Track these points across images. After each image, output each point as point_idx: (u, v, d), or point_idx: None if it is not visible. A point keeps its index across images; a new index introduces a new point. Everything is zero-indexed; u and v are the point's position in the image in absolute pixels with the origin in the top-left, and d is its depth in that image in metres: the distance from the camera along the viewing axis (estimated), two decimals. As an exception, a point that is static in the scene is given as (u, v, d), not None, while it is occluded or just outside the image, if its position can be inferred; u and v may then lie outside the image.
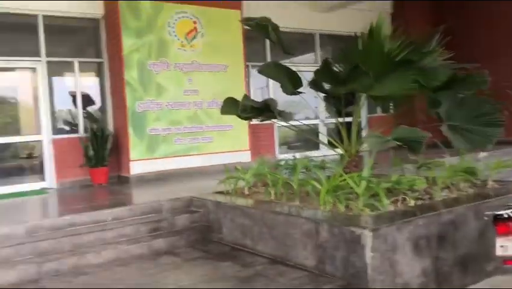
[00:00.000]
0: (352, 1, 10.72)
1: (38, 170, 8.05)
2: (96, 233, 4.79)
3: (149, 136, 8.03)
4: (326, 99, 5.82)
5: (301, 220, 3.93)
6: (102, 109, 8.65)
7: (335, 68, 4.86)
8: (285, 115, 4.81)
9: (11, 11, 7.53)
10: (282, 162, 6.25)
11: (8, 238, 4.59)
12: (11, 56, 7.65)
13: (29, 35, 7.86)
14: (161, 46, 8.15)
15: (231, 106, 5.15)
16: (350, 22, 11.13)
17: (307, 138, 10.12)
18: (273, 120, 5.22)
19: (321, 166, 5.92)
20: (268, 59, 10.08)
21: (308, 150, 9.45)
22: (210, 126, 8.64)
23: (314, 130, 9.85)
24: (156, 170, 8.04)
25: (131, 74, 7.88)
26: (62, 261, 4.27)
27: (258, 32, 5.18)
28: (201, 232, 5.11)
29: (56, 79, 8.30)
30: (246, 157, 8.96)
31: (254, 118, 5.29)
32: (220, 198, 5.30)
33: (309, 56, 11.47)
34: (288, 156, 6.92)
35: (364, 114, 11.11)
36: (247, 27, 5.64)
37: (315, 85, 5.29)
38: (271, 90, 10.03)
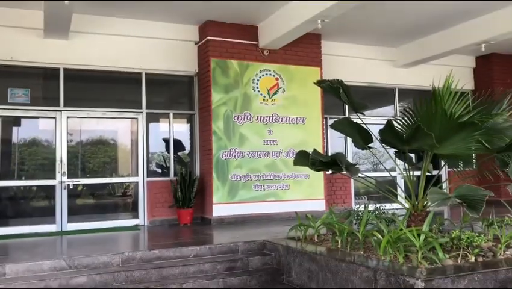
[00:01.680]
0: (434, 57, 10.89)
1: (132, 208, 9.06)
2: (179, 267, 5.43)
3: (230, 182, 8.76)
4: (396, 154, 6.14)
5: (361, 268, 4.27)
6: (191, 154, 9.58)
7: (399, 127, 5.23)
8: (351, 170, 5.22)
9: (120, 70, 8.82)
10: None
11: (106, 266, 5.39)
12: (117, 108, 8.88)
13: (133, 89, 9.09)
14: (245, 100, 9.00)
15: (303, 158, 5.65)
16: (431, 77, 11.30)
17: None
18: (342, 173, 5.64)
19: (392, 219, 6.18)
20: (346, 112, 10.55)
21: (388, 202, 9.57)
22: (287, 174, 9.19)
23: (389, 183, 9.98)
24: (235, 214, 8.69)
25: (217, 125, 8.76)
26: (150, 289, 4.95)
27: (330, 93, 5.71)
28: (272, 273, 5.56)
29: (152, 126, 9.42)
30: (320, 206, 9.34)
31: (323, 170, 5.74)
32: (291, 243, 5.75)
33: (389, 109, 11.76)
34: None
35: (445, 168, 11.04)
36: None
37: (385, 141, 5.66)
38: (349, 139, 10.41)
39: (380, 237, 4.73)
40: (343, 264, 4.52)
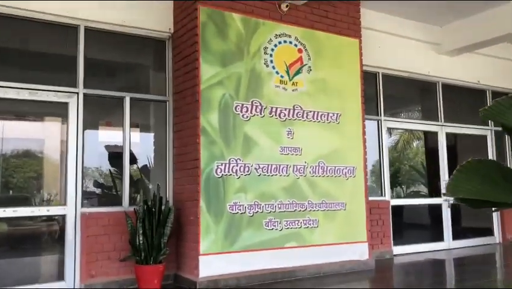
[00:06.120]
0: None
1: (53, 261, 5.64)
2: None
3: (229, 216, 5.58)
4: None
5: None
6: (153, 169, 6.37)
7: None
8: None
9: (46, 17, 5.45)
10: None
11: None
12: (39, 84, 5.44)
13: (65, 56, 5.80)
14: (253, 80, 5.91)
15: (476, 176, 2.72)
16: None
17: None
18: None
19: None
20: (381, 112, 7.85)
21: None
22: (315, 202, 6.18)
23: None
24: (238, 272, 5.52)
25: (208, 119, 5.59)
26: None
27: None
28: None
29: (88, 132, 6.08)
30: (362, 253, 6.44)
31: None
32: None
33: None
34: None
35: None
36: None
37: None
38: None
39: None
40: None
